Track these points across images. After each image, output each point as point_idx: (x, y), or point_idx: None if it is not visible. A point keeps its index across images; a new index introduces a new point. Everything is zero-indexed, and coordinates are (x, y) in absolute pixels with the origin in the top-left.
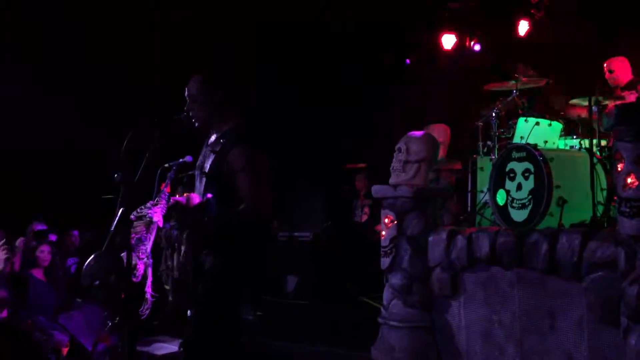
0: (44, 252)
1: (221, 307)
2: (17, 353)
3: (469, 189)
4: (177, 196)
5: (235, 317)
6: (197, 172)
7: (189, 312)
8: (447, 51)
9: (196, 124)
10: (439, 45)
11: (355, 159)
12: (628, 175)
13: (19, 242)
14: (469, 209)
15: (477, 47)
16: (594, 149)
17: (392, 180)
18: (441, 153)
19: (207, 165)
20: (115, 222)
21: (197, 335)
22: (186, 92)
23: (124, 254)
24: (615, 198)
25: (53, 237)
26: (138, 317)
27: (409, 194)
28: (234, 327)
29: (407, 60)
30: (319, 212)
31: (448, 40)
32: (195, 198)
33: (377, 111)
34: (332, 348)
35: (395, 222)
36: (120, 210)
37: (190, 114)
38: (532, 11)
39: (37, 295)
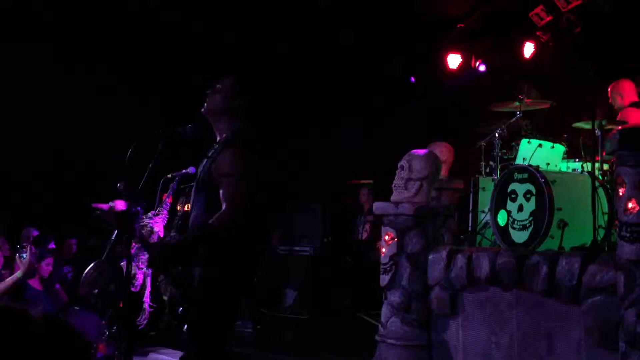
0: (49, 265)
1: (212, 319)
2: None
3: (470, 208)
4: (179, 207)
5: (225, 331)
6: (195, 182)
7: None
8: (452, 70)
9: (202, 110)
10: (444, 64)
11: (358, 175)
12: (629, 200)
13: (28, 249)
14: (469, 228)
15: (482, 68)
16: (596, 172)
17: (393, 198)
18: (443, 172)
19: (200, 171)
20: (116, 231)
21: (190, 348)
22: (217, 85)
23: (123, 263)
24: (616, 222)
25: (52, 245)
26: (136, 327)
27: (410, 212)
28: (224, 340)
29: (412, 79)
30: (320, 227)
31: (453, 60)
32: (119, 204)
33: (380, 128)
34: None
35: (396, 239)
36: None
37: (206, 101)
38: (538, 34)
39: (33, 303)
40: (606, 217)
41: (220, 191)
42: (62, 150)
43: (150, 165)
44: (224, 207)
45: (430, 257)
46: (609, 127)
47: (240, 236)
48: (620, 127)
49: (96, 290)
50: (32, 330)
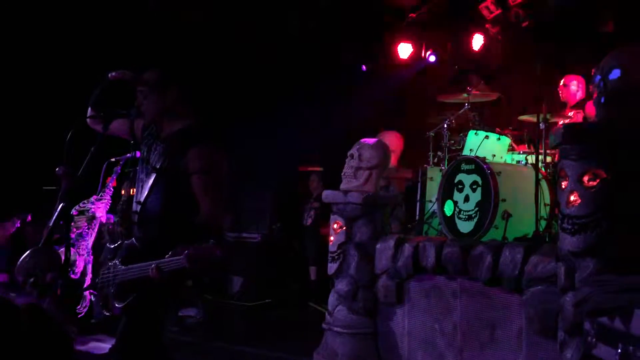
0: None
1: (150, 316)
2: None
3: (418, 198)
4: (123, 191)
5: (160, 328)
6: (141, 165)
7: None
8: (403, 60)
9: (145, 119)
10: (395, 54)
11: (309, 162)
12: (571, 193)
13: None
14: (417, 217)
15: (432, 58)
16: (539, 165)
17: (343, 186)
18: (393, 161)
19: (156, 160)
20: (55, 217)
21: (122, 341)
22: (141, 87)
23: (61, 250)
24: (557, 212)
25: None
26: (75, 315)
27: (359, 201)
28: (159, 339)
29: (363, 67)
30: (269, 213)
31: (404, 50)
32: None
33: (332, 115)
34: (275, 352)
35: (344, 228)
36: (61, 206)
37: (141, 108)
38: (487, 26)
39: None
40: (548, 208)
41: (194, 191)
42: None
43: (92, 149)
44: (203, 206)
45: (378, 246)
46: (553, 120)
47: (219, 232)
48: (565, 121)
49: (32, 279)
50: (20, 320)
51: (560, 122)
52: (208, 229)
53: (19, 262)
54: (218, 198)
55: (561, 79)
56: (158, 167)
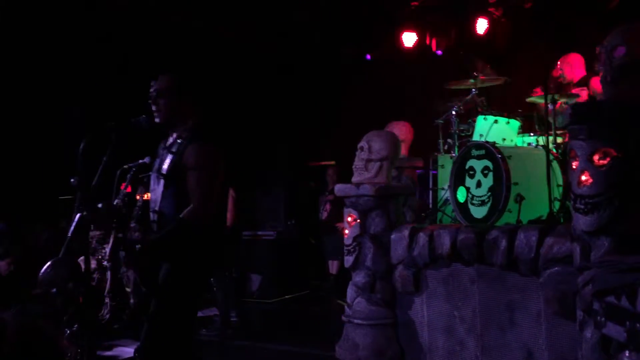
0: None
1: (173, 318)
2: None
3: (430, 186)
4: (138, 197)
5: (187, 329)
6: (153, 174)
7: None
8: (407, 49)
9: (157, 120)
10: (399, 43)
11: (318, 157)
12: (582, 173)
13: None
14: (430, 206)
15: (439, 52)
16: (550, 146)
17: (354, 179)
18: (403, 151)
19: (165, 167)
20: (73, 227)
21: (148, 345)
22: (153, 87)
23: (81, 259)
24: (570, 194)
25: None
26: (98, 321)
27: (371, 193)
28: (185, 340)
29: (368, 56)
30: (283, 210)
31: (408, 38)
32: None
33: (340, 108)
34: (297, 347)
35: (358, 220)
36: (78, 216)
37: (154, 108)
38: (490, 10)
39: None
40: (561, 189)
41: (188, 184)
42: (14, 145)
43: (105, 158)
44: (194, 200)
45: (393, 236)
46: (561, 100)
47: (210, 227)
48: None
49: (54, 290)
50: (5, 333)
51: (562, 102)
52: (195, 221)
53: (40, 273)
54: (210, 193)
55: (558, 61)
56: (165, 172)
